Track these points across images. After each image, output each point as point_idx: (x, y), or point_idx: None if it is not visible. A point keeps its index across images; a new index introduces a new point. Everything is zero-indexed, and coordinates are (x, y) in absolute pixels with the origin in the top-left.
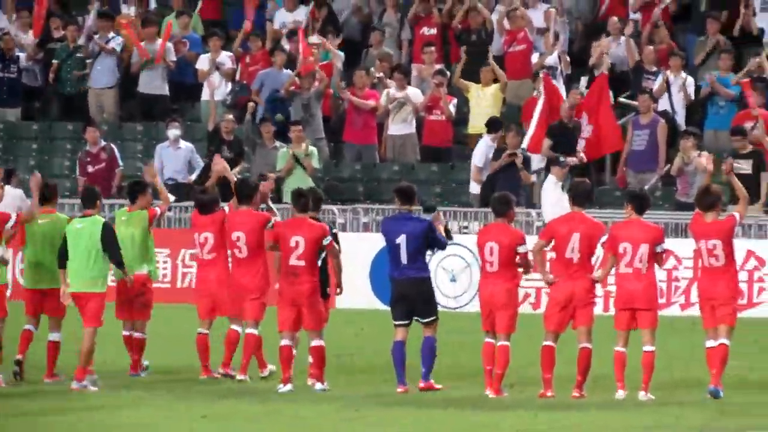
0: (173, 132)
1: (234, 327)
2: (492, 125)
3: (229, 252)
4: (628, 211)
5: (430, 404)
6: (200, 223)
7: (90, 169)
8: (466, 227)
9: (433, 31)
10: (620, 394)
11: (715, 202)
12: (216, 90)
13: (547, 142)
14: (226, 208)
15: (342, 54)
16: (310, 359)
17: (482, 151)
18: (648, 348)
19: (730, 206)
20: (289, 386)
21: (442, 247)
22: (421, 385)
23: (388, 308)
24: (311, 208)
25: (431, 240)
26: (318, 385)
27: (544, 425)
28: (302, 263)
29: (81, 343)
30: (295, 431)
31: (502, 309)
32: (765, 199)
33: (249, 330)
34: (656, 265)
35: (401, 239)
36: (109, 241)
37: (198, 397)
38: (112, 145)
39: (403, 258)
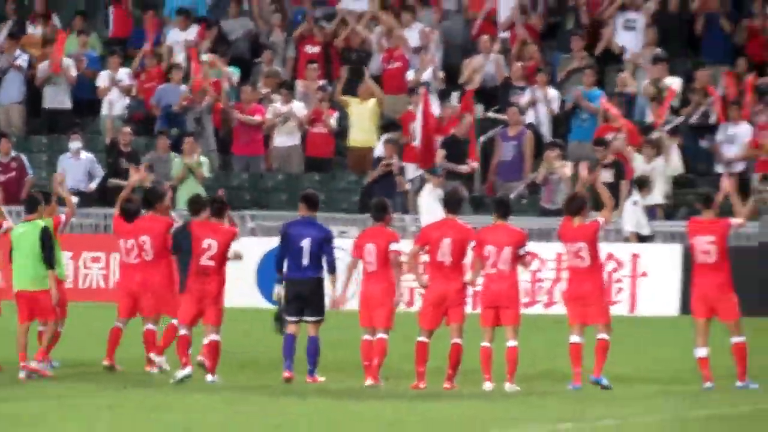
0: (74, 144)
1: (150, 326)
2: (389, 127)
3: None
4: (495, 217)
5: (314, 395)
6: (125, 230)
7: (1, 178)
8: (345, 231)
9: (316, 49)
10: (487, 386)
11: (581, 207)
12: (114, 104)
13: (441, 152)
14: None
15: (234, 71)
16: (204, 351)
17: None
18: (511, 343)
19: (593, 212)
20: (188, 369)
21: (331, 262)
22: (308, 380)
23: (273, 307)
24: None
25: (327, 249)
26: (209, 377)
27: (417, 416)
28: (212, 263)
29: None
30: (190, 418)
31: (380, 306)
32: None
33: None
34: (521, 267)
35: (305, 242)
36: (44, 243)
37: (102, 387)
38: (22, 156)
39: (305, 260)
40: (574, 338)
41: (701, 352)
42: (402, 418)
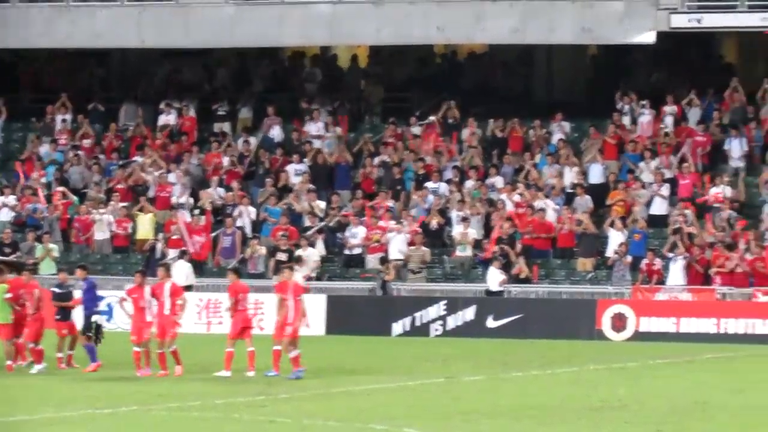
0: None
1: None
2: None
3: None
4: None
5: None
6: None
7: None
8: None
9: (121, 185)
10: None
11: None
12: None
13: (192, 243)
14: None
15: (75, 198)
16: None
17: None
18: (250, 348)
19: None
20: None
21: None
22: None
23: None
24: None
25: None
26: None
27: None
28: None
29: None
30: None
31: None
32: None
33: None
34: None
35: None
36: None
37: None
38: None
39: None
40: (277, 346)
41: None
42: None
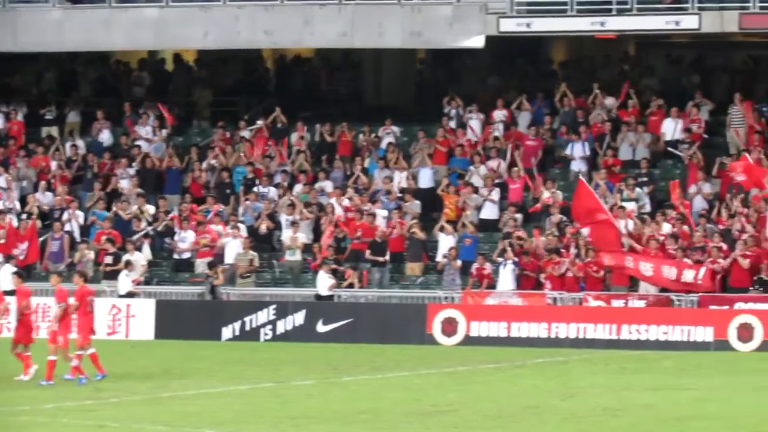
0: None
1: None
2: None
3: None
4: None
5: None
6: None
7: None
8: None
9: None
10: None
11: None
12: None
13: (20, 249)
14: None
15: None
16: None
17: None
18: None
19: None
20: None
21: None
22: None
23: None
24: None
25: None
26: None
27: None
28: None
29: None
30: None
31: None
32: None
33: None
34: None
35: None
36: None
37: None
38: None
39: None
40: (91, 350)
41: None
42: None
